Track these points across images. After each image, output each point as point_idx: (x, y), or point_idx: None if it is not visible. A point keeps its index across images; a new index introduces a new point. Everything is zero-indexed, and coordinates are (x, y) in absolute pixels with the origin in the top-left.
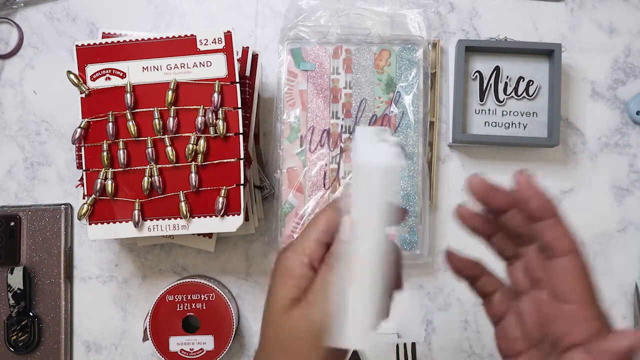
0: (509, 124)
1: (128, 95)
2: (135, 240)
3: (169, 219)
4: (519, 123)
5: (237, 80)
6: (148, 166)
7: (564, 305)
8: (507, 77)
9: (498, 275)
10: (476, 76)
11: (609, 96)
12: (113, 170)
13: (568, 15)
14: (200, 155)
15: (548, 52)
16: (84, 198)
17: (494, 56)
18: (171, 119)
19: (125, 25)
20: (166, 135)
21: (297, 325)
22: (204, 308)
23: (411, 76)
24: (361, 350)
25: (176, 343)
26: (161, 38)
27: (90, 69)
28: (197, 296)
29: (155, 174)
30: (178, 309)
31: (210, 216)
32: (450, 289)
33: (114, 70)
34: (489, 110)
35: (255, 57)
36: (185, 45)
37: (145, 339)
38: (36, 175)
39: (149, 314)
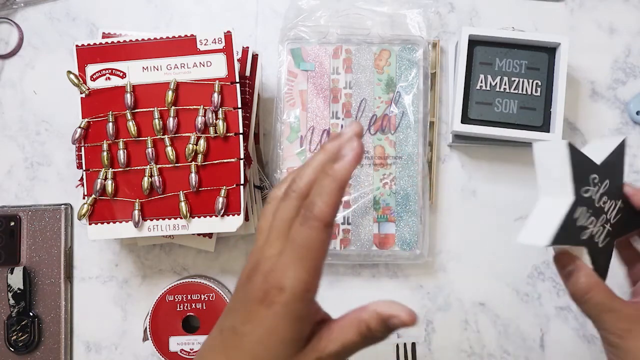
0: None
1: (128, 95)
2: (135, 240)
3: (169, 219)
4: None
5: (237, 80)
6: (148, 166)
7: None
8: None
9: None
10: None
11: (609, 96)
12: (113, 170)
13: (568, 15)
14: (200, 155)
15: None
16: (84, 198)
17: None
18: (171, 119)
19: (125, 25)
20: (166, 135)
21: None
22: (204, 308)
23: (411, 76)
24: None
25: (176, 343)
26: (161, 38)
27: (90, 69)
28: (197, 296)
29: (155, 174)
30: (178, 309)
31: (210, 216)
32: (450, 289)
33: (114, 70)
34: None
35: (255, 57)
36: (185, 45)
37: (145, 339)
38: (36, 175)
39: (149, 314)
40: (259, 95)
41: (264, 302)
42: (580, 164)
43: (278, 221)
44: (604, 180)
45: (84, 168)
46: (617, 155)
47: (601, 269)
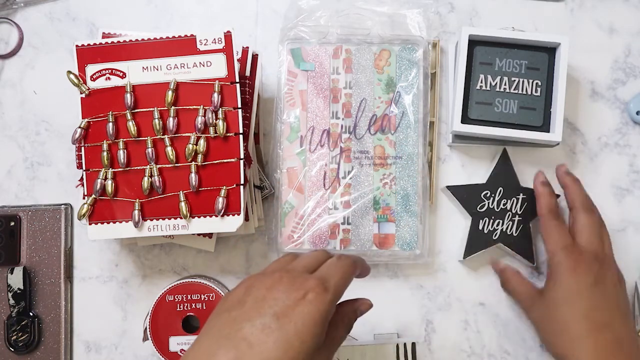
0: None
1: (128, 95)
2: (135, 240)
3: (169, 219)
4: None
5: (237, 80)
6: (148, 166)
7: None
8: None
9: None
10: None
11: (609, 96)
12: (113, 170)
13: (568, 15)
14: (200, 155)
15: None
16: (84, 198)
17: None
18: (171, 119)
19: (125, 25)
20: (166, 135)
21: None
22: (204, 308)
23: (411, 76)
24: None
25: (176, 343)
26: (161, 38)
27: (90, 69)
28: (197, 296)
29: (155, 174)
30: (178, 309)
31: (210, 216)
32: (450, 289)
33: (114, 70)
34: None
35: (255, 57)
36: (185, 45)
37: (145, 339)
38: (36, 175)
39: (149, 314)
40: (259, 95)
41: (304, 298)
42: (466, 194)
43: (318, 261)
44: (496, 189)
45: (84, 168)
46: (502, 165)
47: (524, 251)
